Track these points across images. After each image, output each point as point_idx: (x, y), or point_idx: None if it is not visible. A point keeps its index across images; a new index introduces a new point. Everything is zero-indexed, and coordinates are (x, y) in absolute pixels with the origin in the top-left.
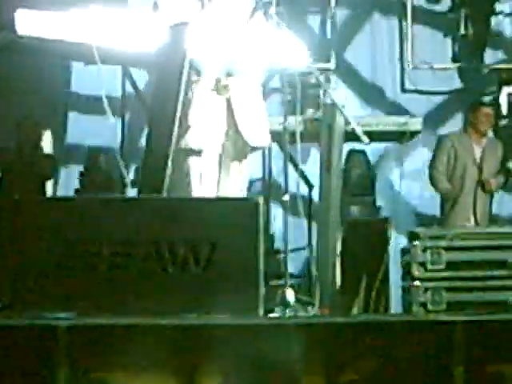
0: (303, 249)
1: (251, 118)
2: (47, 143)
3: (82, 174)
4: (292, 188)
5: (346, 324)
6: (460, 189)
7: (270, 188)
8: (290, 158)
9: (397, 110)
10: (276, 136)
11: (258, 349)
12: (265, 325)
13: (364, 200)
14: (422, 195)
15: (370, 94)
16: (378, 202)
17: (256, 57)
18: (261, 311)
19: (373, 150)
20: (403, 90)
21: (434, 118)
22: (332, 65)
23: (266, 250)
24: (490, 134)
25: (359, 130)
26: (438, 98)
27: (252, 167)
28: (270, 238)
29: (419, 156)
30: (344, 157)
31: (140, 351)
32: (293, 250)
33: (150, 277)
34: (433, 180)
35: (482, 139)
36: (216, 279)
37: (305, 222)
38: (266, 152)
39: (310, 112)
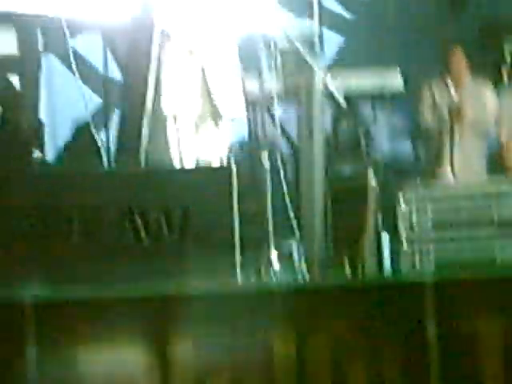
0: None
1: (225, 87)
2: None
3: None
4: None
5: (317, 288)
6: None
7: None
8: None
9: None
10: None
11: (231, 315)
12: (236, 291)
13: (355, 159)
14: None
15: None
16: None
17: (228, 22)
18: (238, 277)
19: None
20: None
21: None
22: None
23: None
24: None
25: (337, 94)
26: None
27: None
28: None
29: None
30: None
31: (111, 322)
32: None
33: (123, 246)
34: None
35: (460, 83)
36: (191, 247)
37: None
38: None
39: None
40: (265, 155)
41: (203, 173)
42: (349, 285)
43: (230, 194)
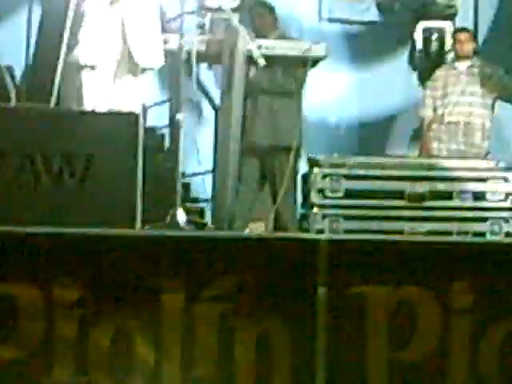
0: (202, 173)
1: (143, 37)
2: None
3: None
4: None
5: (208, 240)
6: None
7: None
8: (198, 80)
9: (313, 39)
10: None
11: (122, 262)
12: (130, 237)
13: None
14: (335, 124)
15: (287, 21)
16: None
17: None
18: (137, 226)
19: None
20: (320, 19)
21: (350, 49)
22: None
23: (172, 174)
24: None
25: (257, 53)
26: (354, 29)
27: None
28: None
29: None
30: None
31: (7, 261)
32: (195, 174)
33: (23, 188)
34: None
35: None
36: (92, 192)
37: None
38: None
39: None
40: (181, 111)
41: (110, 119)
42: (240, 238)
43: (136, 143)
